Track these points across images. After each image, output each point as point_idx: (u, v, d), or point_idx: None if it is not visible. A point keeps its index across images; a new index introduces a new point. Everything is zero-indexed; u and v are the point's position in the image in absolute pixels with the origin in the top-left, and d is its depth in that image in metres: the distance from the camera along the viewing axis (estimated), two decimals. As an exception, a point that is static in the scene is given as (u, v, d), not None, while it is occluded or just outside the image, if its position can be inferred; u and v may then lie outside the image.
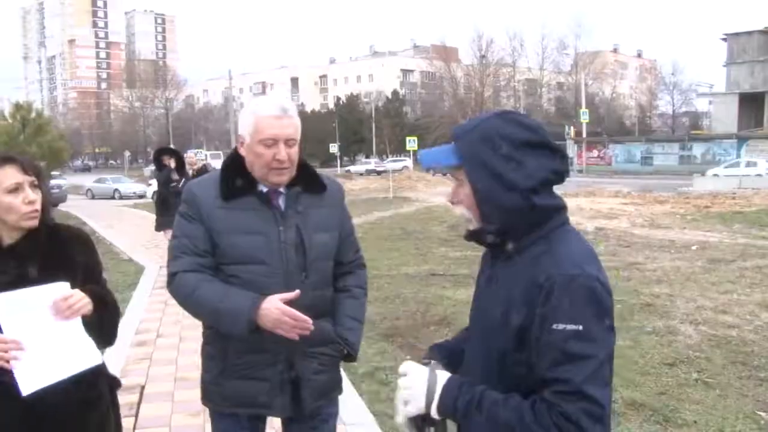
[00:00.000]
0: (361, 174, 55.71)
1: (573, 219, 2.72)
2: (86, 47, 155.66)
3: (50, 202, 2.33)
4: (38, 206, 2.21)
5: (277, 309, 2.32)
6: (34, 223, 2.21)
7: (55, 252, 2.30)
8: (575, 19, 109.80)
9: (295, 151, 2.51)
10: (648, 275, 9.54)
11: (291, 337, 2.34)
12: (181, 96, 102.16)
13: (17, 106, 24.07)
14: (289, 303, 2.39)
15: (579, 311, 1.55)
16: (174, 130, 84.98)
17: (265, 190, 2.54)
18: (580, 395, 1.52)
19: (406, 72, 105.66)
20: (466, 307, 2.04)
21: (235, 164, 2.59)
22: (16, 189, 2.17)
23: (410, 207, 22.74)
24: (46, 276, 2.20)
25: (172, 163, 10.68)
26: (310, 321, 2.34)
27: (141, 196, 34.91)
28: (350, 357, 2.67)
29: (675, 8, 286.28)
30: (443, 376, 1.68)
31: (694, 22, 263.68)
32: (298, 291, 2.37)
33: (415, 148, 38.49)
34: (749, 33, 48.03)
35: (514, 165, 1.64)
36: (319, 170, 2.75)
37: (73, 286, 2.21)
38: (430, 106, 79.49)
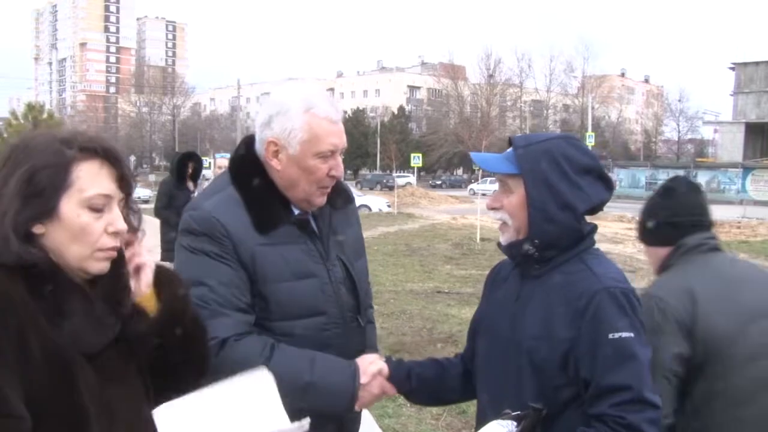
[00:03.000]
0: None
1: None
2: (97, 51, 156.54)
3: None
4: (120, 241, 1.38)
5: (378, 385, 1.94)
6: (104, 267, 1.37)
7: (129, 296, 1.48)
8: (583, 42, 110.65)
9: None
10: (654, 301, 9.51)
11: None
12: (189, 103, 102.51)
13: (29, 107, 24.15)
14: (351, 354, 1.98)
15: (629, 320, 1.65)
16: (180, 136, 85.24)
17: (296, 212, 1.99)
18: (643, 403, 1.58)
19: (413, 88, 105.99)
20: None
21: (262, 178, 1.96)
22: (101, 206, 1.33)
23: (414, 223, 22.74)
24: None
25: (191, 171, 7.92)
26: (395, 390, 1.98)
27: (145, 201, 35.00)
28: None
29: (683, 35, 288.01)
30: None
31: (702, 50, 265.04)
32: (384, 365, 1.95)
33: (420, 164, 38.49)
34: (757, 63, 48.19)
35: (574, 187, 1.73)
36: None
37: None
38: (435, 123, 79.75)
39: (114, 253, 1.38)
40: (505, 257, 1.95)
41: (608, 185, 1.80)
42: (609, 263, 1.80)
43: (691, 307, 2.09)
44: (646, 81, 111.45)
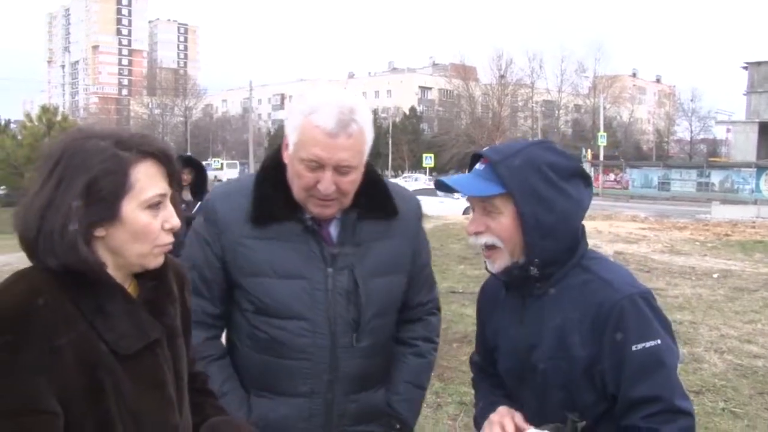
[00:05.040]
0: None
1: (592, 242, 2.76)
2: (109, 54, 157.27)
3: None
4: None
5: None
6: (161, 261, 1.44)
7: (180, 301, 1.57)
8: (595, 42, 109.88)
9: (350, 179, 1.81)
10: (670, 302, 9.44)
11: None
12: (200, 105, 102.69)
13: (44, 109, 24.52)
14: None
15: (653, 327, 1.57)
16: (192, 138, 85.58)
17: (308, 215, 1.89)
18: (675, 412, 1.52)
19: (424, 89, 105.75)
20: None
21: (276, 173, 1.91)
22: (158, 204, 1.39)
23: (428, 223, 22.63)
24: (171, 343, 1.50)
25: (188, 179, 6.88)
26: None
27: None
28: None
29: (695, 35, 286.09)
30: None
31: (715, 49, 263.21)
32: None
33: (432, 164, 38.47)
34: (771, 62, 47.77)
35: (565, 195, 1.62)
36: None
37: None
38: (447, 124, 79.49)
39: (169, 248, 1.44)
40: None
41: (589, 184, 1.70)
42: (614, 266, 1.71)
43: None
44: (658, 81, 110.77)
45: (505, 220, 1.63)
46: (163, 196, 1.39)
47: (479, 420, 1.82)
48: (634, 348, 1.54)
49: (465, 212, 20.68)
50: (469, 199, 1.71)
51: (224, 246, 1.90)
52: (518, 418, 1.69)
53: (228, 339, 2.05)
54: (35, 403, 1.26)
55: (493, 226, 1.64)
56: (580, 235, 1.69)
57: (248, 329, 1.92)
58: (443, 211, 25.13)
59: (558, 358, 1.62)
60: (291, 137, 1.81)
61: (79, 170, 1.31)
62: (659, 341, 1.55)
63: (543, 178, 1.60)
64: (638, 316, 1.57)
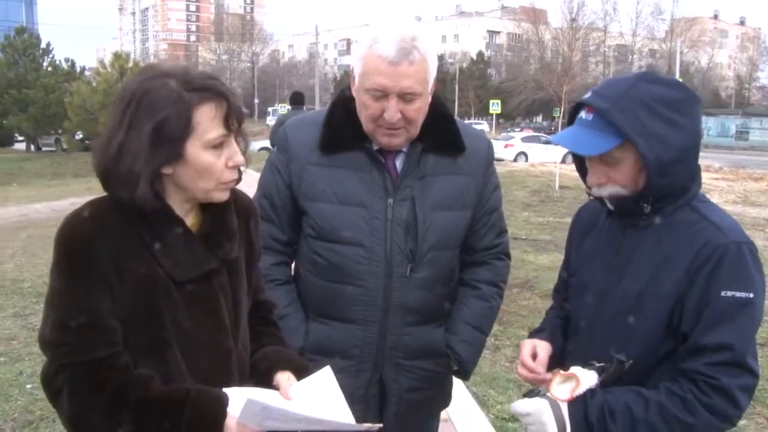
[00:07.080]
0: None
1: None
2: (177, 0, 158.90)
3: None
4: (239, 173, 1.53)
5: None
6: (226, 196, 1.53)
7: (240, 234, 1.63)
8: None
9: (415, 107, 1.84)
10: (740, 252, 9.21)
11: None
12: (267, 50, 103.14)
13: (116, 56, 25.35)
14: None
15: (751, 279, 1.50)
16: (259, 84, 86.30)
17: (376, 146, 1.96)
18: (742, 368, 1.47)
19: (492, 33, 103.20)
20: (547, 272, 2.04)
21: (347, 105, 1.96)
22: (221, 144, 1.46)
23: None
24: (232, 275, 1.60)
25: None
26: None
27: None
28: (460, 374, 2.15)
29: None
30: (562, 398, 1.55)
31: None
32: None
33: (499, 111, 37.79)
34: None
35: (681, 129, 1.54)
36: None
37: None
38: (515, 69, 77.56)
39: (234, 184, 1.53)
40: (584, 201, 1.85)
41: (699, 106, 1.60)
42: (722, 212, 1.63)
43: None
44: (742, 23, 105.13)
45: (626, 167, 1.57)
46: (225, 136, 1.45)
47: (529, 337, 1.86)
48: (723, 293, 1.48)
49: (563, 160, 20.01)
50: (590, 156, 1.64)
51: (292, 172, 1.98)
52: (543, 350, 1.76)
53: (294, 265, 2.14)
54: (99, 319, 1.41)
55: (615, 176, 1.59)
56: (695, 172, 1.62)
57: (309, 254, 2.00)
58: (547, 157, 25.37)
59: (647, 292, 1.58)
60: (356, 69, 1.87)
61: (147, 114, 1.39)
62: (752, 295, 1.48)
63: (656, 115, 1.52)
64: (739, 263, 1.50)
